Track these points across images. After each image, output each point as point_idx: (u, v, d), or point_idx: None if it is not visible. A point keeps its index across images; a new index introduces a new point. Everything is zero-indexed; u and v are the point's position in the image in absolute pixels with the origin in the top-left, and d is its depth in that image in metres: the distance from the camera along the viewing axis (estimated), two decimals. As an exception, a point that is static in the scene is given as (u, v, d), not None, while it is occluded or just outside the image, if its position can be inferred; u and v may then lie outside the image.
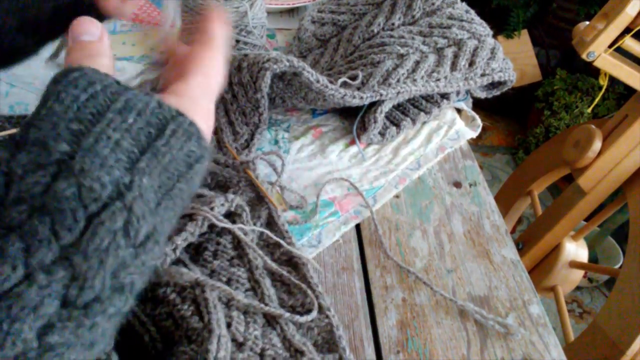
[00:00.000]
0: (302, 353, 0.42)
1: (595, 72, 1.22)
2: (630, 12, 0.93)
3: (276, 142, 0.68)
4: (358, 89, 0.66)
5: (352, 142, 0.68)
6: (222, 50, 0.36)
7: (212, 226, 0.48)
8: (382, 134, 0.68)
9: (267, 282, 0.48)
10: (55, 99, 0.28)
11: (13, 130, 0.59)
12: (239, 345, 0.42)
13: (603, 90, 1.16)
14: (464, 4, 0.77)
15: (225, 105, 0.65)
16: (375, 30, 0.75)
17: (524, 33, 2.11)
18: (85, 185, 0.25)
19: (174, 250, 0.45)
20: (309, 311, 0.46)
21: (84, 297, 0.24)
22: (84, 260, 0.24)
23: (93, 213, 0.25)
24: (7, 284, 0.23)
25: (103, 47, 0.33)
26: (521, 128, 2.32)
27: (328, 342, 0.45)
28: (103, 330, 0.25)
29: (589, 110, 1.91)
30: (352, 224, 0.59)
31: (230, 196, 0.49)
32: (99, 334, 0.25)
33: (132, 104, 0.28)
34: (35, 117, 0.27)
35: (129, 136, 0.27)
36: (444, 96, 0.72)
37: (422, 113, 0.71)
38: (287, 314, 0.45)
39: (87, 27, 0.33)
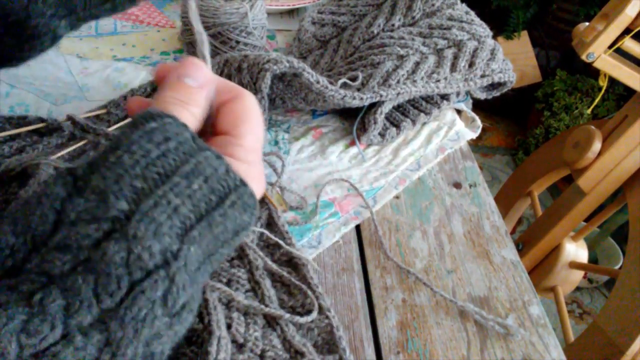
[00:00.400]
0: (302, 354, 0.42)
1: (595, 73, 1.22)
2: (630, 13, 0.93)
3: (276, 142, 0.68)
4: (358, 90, 0.66)
5: (352, 143, 0.68)
6: (255, 101, 0.35)
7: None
8: (382, 135, 0.68)
9: (267, 283, 0.48)
10: (126, 150, 0.27)
11: (13, 131, 0.59)
12: (239, 347, 0.42)
13: (603, 91, 1.17)
14: (464, 5, 0.77)
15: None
16: (375, 32, 0.75)
17: (524, 34, 2.11)
18: (135, 253, 0.25)
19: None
20: (309, 312, 0.46)
21: None
22: (120, 327, 0.24)
23: (136, 280, 0.24)
24: (45, 343, 0.22)
25: (200, 97, 0.32)
26: (521, 129, 2.32)
27: (328, 343, 0.45)
28: None
29: (589, 111, 1.91)
30: (352, 225, 0.59)
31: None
32: None
33: (202, 168, 0.28)
34: (103, 162, 0.27)
35: (190, 202, 0.27)
36: (444, 97, 0.72)
37: (422, 114, 0.71)
38: (288, 315, 0.45)
39: (193, 71, 0.33)
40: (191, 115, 0.31)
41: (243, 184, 0.29)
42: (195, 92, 0.32)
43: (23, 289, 0.24)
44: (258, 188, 0.32)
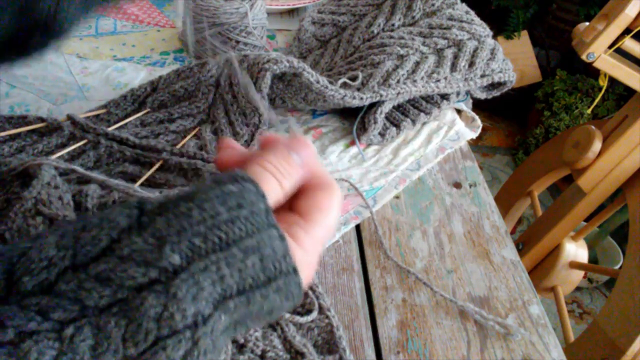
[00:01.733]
0: (302, 355, 0.42)
1: (595, 72, 1.22)
2: (630, 13, 0.93)
3: (276, 142, 0.68)
4: (358, 89, 0.66)
5: (352, 143, 0.68)
6: (341, 200, 0.35)
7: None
8: (382, 135, 0.68)
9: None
10: (198, 204, 0.27)
11: (13, 131, 0.59)
12: (239, 347, 0.42)
13: (603, 91, 1.17)
14: (464, 4, 0.77)
15: (225, 105, 0.65)
16: (375, 31, 0.75)
17: (524, 34, 2.11)
18: (169, 311, 0.25)
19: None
20: (309, 312, 0.46)
21: None
22: None
23: (162, 336, 0.25)
24: None
25: (296, 174, 0.32)
26: (521, 129, 2.32)
27: (328, 343, 0.45)
28: None
29: (589, 111, 1.91)
30: (352, 225, 0.59)
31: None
32: None
33: (262, 247, 0.28)
34: (173, 207, 0.27)
35: (238, 275, 0.27)
36: (444, 97, 0.72)
37: (422, 114, 0.71)
38: (288, 315, 0.45)
39: (303, 150, 0.33)
40: (280, 189, 0.31)
41: (295, 272, 0.29)
42: (295, 169, 0.32)
43: (54, 317, 0.24)
44: (307, 276, 0.32)
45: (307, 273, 0.32)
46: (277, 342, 0.43)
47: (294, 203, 0.33)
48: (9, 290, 0.25)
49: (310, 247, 0.32)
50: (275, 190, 0.31)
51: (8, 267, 0.26)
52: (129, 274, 0.25)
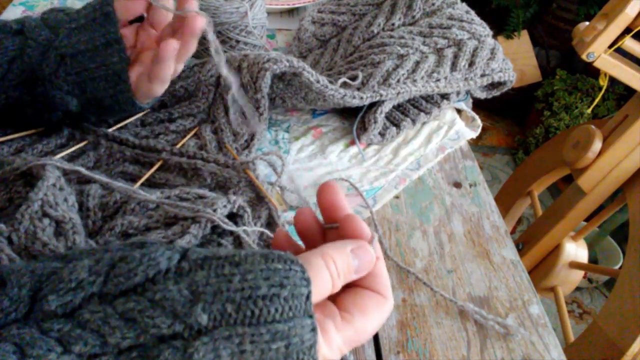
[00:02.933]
0: None
1: (595, 72, 1.22)
2: (630, 12, 0.93)
3: (276, 142, 0.68)
4: (358, 89, 0.66)
5: (352, 143, 0.68)
6: (388, 313, 0.33)
7: (213, 227, 0.48)
8: (382, 135, 0.68)
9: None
10: (242, 272, 0.27)
11: (14, 136, 0.59)
12: None
13: (603, 90, 1.16)
14: (464, 4, 0.77)
15: (225, 105, 0.65)
16: (375, 31, 0.75)
17: (524, 33, 2.11)
18: None
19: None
20: None
21: None
22: None
23: None
24: None
25: (349, 278, 0.32)
26: (521, 128, 2.32)
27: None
28: None
29: (589, 110, 1.91)
30: (352, 225, 0.59)
31: (232, 197, 0.49)
32: None
33: (292, 335, 0.27)
34: (216, 267, 0.27)
35: (259, 356, 0.26)
36: (444, 96, 0.72)
37: (422, 113, 0.71)
38: None
39: (364, 257, 0.32)
40: (331, 286, 0.30)
41: None
42: (351, 272, 0.31)
43: (75, 350, 0.24)
44: None
45: None
46: None
47: (339, 297, 0.32)
48: (32, 308, 0.25)
49: (336, 345, 0.31)
50: (325, 285, 0.30)
51: (36, 285, 0.26)
52: (155, 322, 0.25)
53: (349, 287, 0.32)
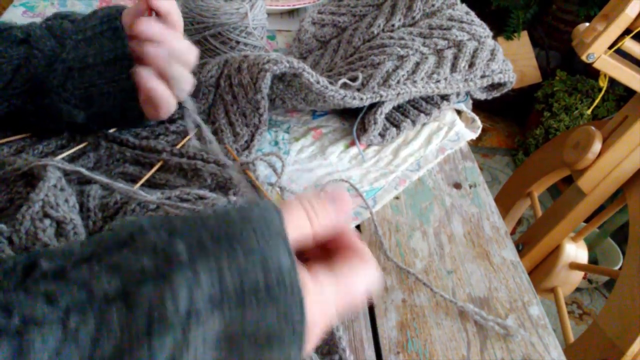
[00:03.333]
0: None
1: (595, 73, 1.22)
2: (630, 13, 0.93)
3: (276, 143, 0.68)
4: (358, 90, 0.66)
5: (352, 144, 0.68)
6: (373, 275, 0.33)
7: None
8: (382, 135, 0.68)
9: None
10: (216, 215, 0.28)
11: (14, 138, 0.59)
12: None
13: (603, 91, 1.17)
14: (464, 5, 0.77)
15: (225, 106, 0.65)
16: (376, 32, 0.75)
17: (524, 34, 2.11)
18: (163, 299, 0.25)
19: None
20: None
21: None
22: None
23: (152, 332, 0.25)
24: None
25: (327, 218, 0.32)
26: (521, 129, 2.32)
27: (328, 343, 0.45)
28: None
29: (589, 111, 1.91)
30: (352, 225, 0.59)
31: (232, 198, 0.49)
32: None
33: (267, 252, 0.27)
34: (195, 213, 0.29)
35: (237, 275, 0.27)
36: (444, 97, 0.72)
37: (422, 114, 0.71)
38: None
39: (341, 204, 0.33)
40: (310, 225, 0.31)
41: (299, 292, 0.28)
42: (328, 213, 0.32)
43: (62, 305, 0.25)
44: (320, 319, 0.30)
45: (321, 314, 0.30)
46: None
47: (324, 262, 0.32)
48: (24, 280, 0.26)
49: (329, 284, 0.30)
50: (303, 223, 0.31)
51: (31, 261, 0.27)
52: (136, 261, 0.26)
53: (332, 255, 0.33)
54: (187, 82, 0.53)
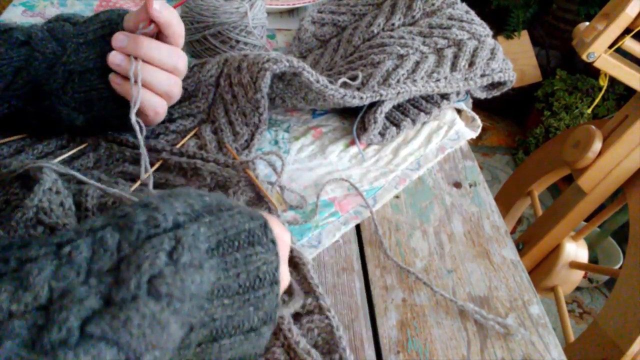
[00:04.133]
0: None
1: (595, 72, 1.22)
2: (630, 12, 0.93)
3: (276, 142, 0.68)
4: (358, 89, 0.66)
5: (352, 143, 0.68)
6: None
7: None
8: (382, 135, 0.68)
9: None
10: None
11: (14, 137, 0.59)
12: None
13: (603, 90, 1.16)
14: (464, 4, 0.77)
15: (225, 105, 0.65)
16: (375, 31, 0.75)
17: (524, 33, 2.11)
18: (153, 215, 0.30)
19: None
20: (309, 312, 0.46)
21: (120, 294, 0.27)
22: (127, 267, 0.28)
23: (150, 235, 0.29)
24: (70, 285, 0.27)
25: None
26: (521, 128, 2.32)
27: (328, 343, 0.45)
28: (139, 330, 0.27)
29: (589, 110, 1.91)
30: (352, 225, 0.59)
31: (232, 197, 0.49)
32: (134, 332, 0.27)
33: (237, 222, 0.34)
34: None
35: (202, 204, 0.33)
36: (444, 96, 0.72)
37: (422, 113, 0.71)
38: (288, 317, 0.44)
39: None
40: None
41: (265, 223, 0.35)
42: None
43: (52, 241, 0.28)
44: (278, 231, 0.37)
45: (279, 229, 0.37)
46: (279, 352, 0.43)
47: None
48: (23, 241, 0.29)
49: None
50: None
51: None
52: (120, 210, 0.31)
53: None
54: (159, 106, 0.55)
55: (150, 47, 0.52)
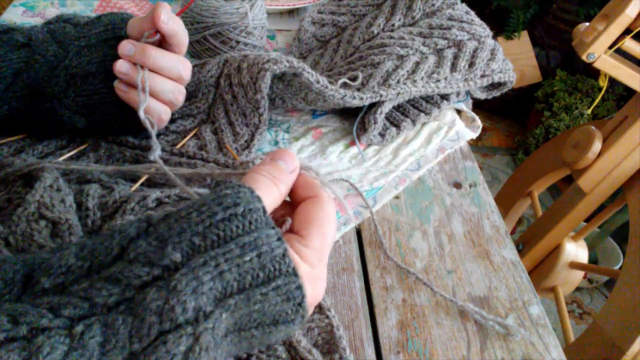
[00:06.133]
0: None
1: (595, 73, 1.22)
2: (630, 13, 0.93)
3: (276, 142, 0.68)
4: (358, 89, 0.66)
5: (352, 143, 0.68)
6: (333, 206, 0.36)
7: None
8: (382, 135, 0.68)
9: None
10: (196, 208, 0.29)
11: (13, 138, 0.59)
12: None
13: (603, 91, 1.17)
14: (464, 5, 0.77)
15: (225, 106, 0.65)
16: (375, 32, 0.75)
17: (524, 34, 2.11)
18: (170, 304, 0.26)
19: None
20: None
21: None
22: None
23: (164, 330, 0.25)
24: None
25: (288, 178, 0.35)
26: (521, 129, 2.32)
27: (328, 343, 0.45)
28: None
29: (589, 111, 1.91)
30: (352, 225, 0.59)
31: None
32: None
33: (260, 243, 0.29)
34: (175, 214, 0.29)
35: (237, 271, 0.28)
36: (444, 97, 0.72)
37: (422, 114, 0.71)
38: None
39: (286, 157, 0.36)
40: (277, 191, 0.34)
41: (295, 274, 0.30)
42: (285, 173, 0.35)
43: (65, 314, 0.25)
44: (317, 290, 0.33)
45: (315, 286, 0.33)
46: (281, 350, 0.43)
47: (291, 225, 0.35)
48: (25, 291, 0.27)
49: (314, 259, 0.33)
50: (273, 193, 0.33)
51: (28, 271, 0.28)
52: (134, 273, 0.27)
53: (293, 211, 0.36)
54: (163, 113, 0.55)
55: (157, 56, 0.52)
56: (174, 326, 0.25)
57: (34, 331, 0.24)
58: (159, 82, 0.52)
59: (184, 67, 0.54)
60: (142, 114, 0.48)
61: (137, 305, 0.26)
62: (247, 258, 0.28)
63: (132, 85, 0.52)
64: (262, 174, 0.34)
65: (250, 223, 0.29)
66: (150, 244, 0.28)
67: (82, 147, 0.59)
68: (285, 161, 0.35)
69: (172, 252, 0.27)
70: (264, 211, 0.30)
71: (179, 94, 0.55)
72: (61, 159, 0.56)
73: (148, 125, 0.47)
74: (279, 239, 0.30)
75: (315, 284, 0.32)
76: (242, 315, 0.29)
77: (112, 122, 0.56)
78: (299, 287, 0.30)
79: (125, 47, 0.51)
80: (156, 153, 0.43)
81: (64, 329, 0.25)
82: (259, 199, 0.30)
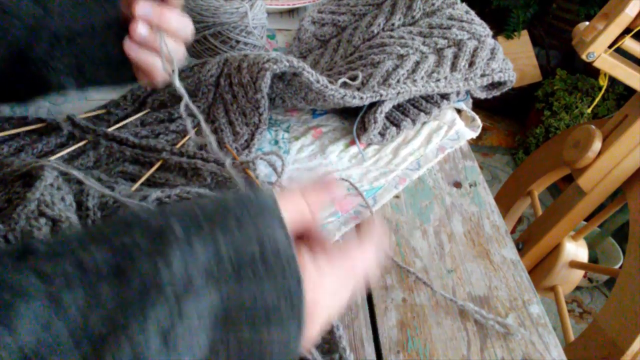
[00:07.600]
0: None
1: (595, 72, 1.22)
2: (630, 12, 0.93)
3: (276, 142, 0.68)
4: (358, 89, 0.66)
5: (352, 143, 0.68)
6: (374, 257, 0.34)
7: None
8: (382, 135, 0.68)
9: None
10: (211, 199, 0.29)
11: (13, 131, 0.59)
12: None
13: (603, 90, 1.16)
14: (464, 4, 0.77)
15: (225, 105, 0.65)
16: (375, 31, 0.75)
17: (524, 33, 2.11)
18: (157, 267, 0.25)
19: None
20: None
21: None
22: (115, 343, 0.24)
23: (148, 295, 0.25)
24: (54, 340, 0.23)
25: (314, 189, 0.33)
26: (521, 128, 2.32)
27: (328, 342, 0.45)
28: None
29: (589, 110, 1.91)
30: (352, 224, 0.59)
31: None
32: None
33: (262, 229, 0.27)
34: (192, 201, 0.28)
35: (232, 248, 0.27)
36: (444, 96, 0.72)
37: (422, 113, 0.71)
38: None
39: (331, 186, 0.34)
40: (302, 202, 0.32)
41: (296, 268, 0.28)
42: (311, 188, 0.33)
43: (51, 279, 0.24)
44: (317, 301, 0.30)
45: (319, 296, 0.30)
46: None
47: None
48: (20, 260, 0.25)
49: (329, 278, 0.31)
50: (302, 208, 0.32)
51: (28, 244, 0.26)
52: (132, 239, 0.25)
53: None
54: (179, 55, 0.51)
55: (172, 18, 0.49)
56: (158, 290, 0.24)
57: (15, 297, 0.23)
58: (169, 45, 0.50)
59: (190, 29, 0.51)
60: (176, 82, 0.45)
61: (125, 269, 0.24)
62: (246, 237, 0.27)
63: (142, 45, 0.49)
64: (299, 190, 0.33)
65: (257, 210, 0.28)
66: (154, 216, 0.27)
67: (81, 144, 0.59)
68: (330, 192, 0.34)
69: (173, 220, 0.26)
70: (275, 204, 0.29)
71: (182, 55, 0.53)
72: (58, 155, 0.56)
73: (184, 94, 0.45)
74: (283, 228, 0.28)
75: (322, 294, 0.30)
76: (231, 294, 0.26)
77: (103, 83, 0.53)
78: (298, 280, 0.28)
79: (142, 7, 0.47)
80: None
81: (46, 296, 0.23)
82: (273, 199, 0.29)
